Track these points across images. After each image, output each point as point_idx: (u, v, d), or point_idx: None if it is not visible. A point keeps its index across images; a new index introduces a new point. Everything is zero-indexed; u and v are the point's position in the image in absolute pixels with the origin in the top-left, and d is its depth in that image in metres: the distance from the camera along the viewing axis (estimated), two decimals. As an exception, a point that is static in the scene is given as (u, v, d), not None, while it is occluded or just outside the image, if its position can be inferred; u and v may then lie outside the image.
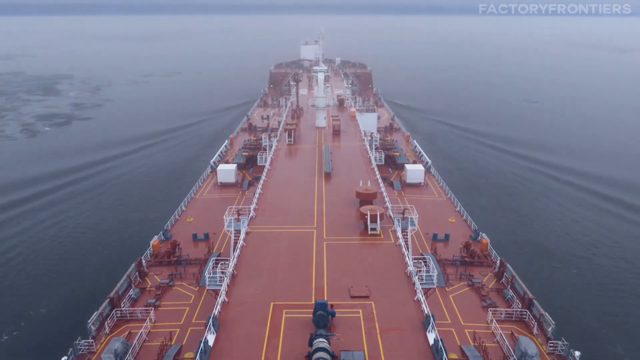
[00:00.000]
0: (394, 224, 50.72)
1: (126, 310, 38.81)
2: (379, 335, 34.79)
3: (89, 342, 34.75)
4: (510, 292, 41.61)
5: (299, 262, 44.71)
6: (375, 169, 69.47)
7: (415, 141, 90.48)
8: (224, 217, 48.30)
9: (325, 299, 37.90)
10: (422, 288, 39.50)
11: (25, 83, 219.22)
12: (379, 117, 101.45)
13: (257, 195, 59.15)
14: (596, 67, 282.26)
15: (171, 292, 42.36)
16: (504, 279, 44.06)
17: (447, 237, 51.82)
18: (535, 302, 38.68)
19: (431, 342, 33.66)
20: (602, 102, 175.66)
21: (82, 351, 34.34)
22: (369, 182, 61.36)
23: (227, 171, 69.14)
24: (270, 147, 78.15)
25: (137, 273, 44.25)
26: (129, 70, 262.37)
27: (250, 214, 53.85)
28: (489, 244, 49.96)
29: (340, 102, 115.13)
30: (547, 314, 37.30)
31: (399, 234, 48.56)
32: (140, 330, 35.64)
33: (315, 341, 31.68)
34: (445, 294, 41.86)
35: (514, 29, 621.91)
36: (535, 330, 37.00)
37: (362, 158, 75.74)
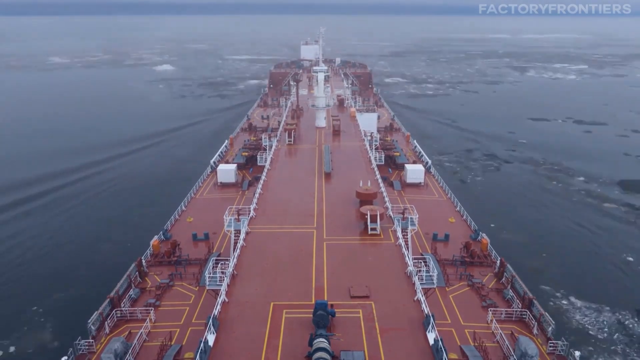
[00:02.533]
0: (394, 224, 50.65)
1: (126, 310, 38.77)
2: (379, 335, 34.75)
3: (89, 342, 34.72)
4: (510, 292, 41.59)
5: (299, 262, 44.64)
6: (375, 169, 69.43)
7: (415, 141, 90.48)
8: (224, 217, 48.26)
9: (325, 299, 37.88)
10: (422, 288, 39.45)
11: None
12: (379, 117, 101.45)
13: (257, 195, 59.10)
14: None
15: (171, 292, 42.33)
16: (504, 279, 44.04)
17: (447, 237, 51.79)
18: (535, 302, 38.67)
19: (431, 342, 33.64)
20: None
21: (82, 351, 34.31)
22: (369, 182, 61.30)
23: (227, 171, 69.12)
24: (270, 147, 78.13)
25: (137, 273, 44.24)
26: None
27: (250, 214, 53.80)
28: (489, 244, 49.97)
29: (340, 102, 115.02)
30: (547, 314, 37.29)
31: (399, 234, 48.51)
32: (140, 330, 35.61)
33: (315, 341, 31.65)
34: (445, 294, 41.84)
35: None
36: (535, 330, 36.98)
37: (362, 158, 75.68)
